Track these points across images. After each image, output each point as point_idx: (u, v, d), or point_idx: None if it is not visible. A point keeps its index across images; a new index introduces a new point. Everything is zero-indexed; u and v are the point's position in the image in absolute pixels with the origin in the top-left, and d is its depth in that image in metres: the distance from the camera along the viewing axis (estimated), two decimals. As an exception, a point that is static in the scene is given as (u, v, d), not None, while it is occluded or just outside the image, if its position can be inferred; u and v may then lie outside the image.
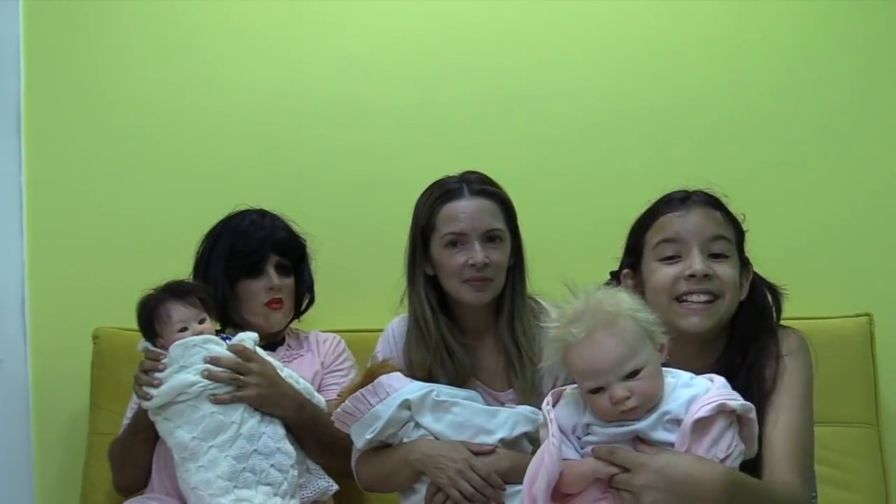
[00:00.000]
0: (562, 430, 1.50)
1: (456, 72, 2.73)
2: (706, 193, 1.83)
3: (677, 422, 1.47)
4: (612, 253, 2.63)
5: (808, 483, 1.69)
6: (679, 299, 1.71)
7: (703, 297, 1.70)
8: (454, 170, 2.18)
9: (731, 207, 1.92)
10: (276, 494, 2.03)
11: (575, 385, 1.55)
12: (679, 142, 2.69)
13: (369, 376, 2.05)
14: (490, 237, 2.09)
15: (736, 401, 1.48)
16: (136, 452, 2.20)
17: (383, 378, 2.03)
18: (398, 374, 2.06)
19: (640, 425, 1.47)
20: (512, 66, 2.72)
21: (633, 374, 1.46)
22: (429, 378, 2.09)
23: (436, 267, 2.12)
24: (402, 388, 2.02)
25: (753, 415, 1.50)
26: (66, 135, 2.76)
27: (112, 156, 2.76)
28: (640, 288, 1.79)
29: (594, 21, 2.71)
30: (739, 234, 1.83)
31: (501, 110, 2.72)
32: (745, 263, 1.83)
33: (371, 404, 2.01)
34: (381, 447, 2.05)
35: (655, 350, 1.51)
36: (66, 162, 2.76)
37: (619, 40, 2.70)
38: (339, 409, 2.04)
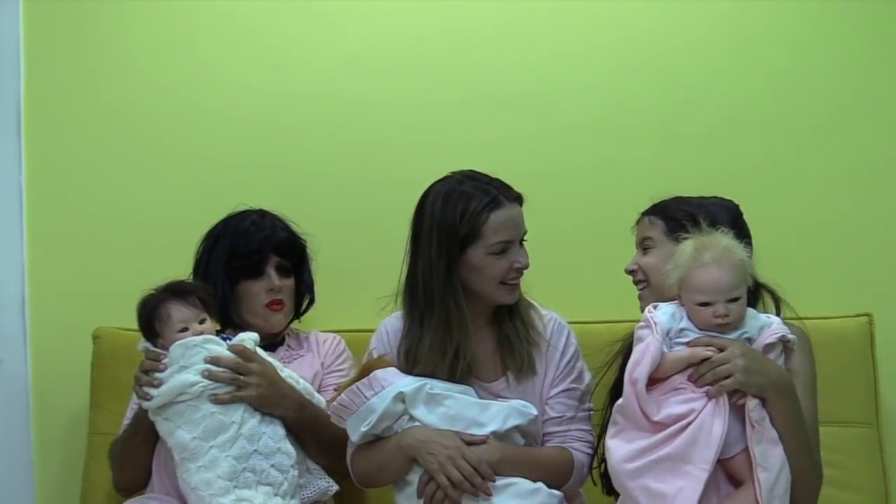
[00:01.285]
0: None
1: (456, 71, 2.73)
2: (659, 204, 2.14)
3: (750, 341, 1.88)
4: (610, 251, 2.63)
5: (816, 467, 1.93)
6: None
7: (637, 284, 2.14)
8: (454, 169, 2.18)
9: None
10: (276, 494, 2.03)
11: (671, 301, 1.94)
12: (678, 141, 2.69)
13: (365, 371, 2.07)
14: (522, 239, 2.15)
15: (791, 335, 1.89)
16: (137, 453, 2.20)
17: (378, 372, 2.05)
18: (393, 368, 2.09)
19: (727, 337, 1.87)
20: (512, 66, 2.72)
21: (733, 300, 1.86)
22: (430, 376, 2.10)
23: (468, 272, 2.11)
24: (396, 381, 2.05)
25: (796, 346, 1.91)
26: (66, 135, 2.76)
27: (112, 156, 2.76)
28: None
29: (594, 21, 2.71)
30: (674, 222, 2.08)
31: (501, 110, 2.72)
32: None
33: (366, 397, 2.03)
34: (375, 440, 2.07)
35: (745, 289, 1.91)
36: (66, 162, 2.76)
37: (618, 40, 2.70)
38: (334, 403, 2.07)
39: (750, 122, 2.67)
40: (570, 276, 2.62)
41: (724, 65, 2.68)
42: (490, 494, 1.97)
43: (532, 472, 2.04)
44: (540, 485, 2.02)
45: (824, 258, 2.61)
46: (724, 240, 1.91)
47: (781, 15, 2.67)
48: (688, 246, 1.91)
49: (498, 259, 2.10)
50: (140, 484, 2.22)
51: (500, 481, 1.99)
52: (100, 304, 2.67)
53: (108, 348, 2.58)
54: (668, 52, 2.69)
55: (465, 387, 2.11)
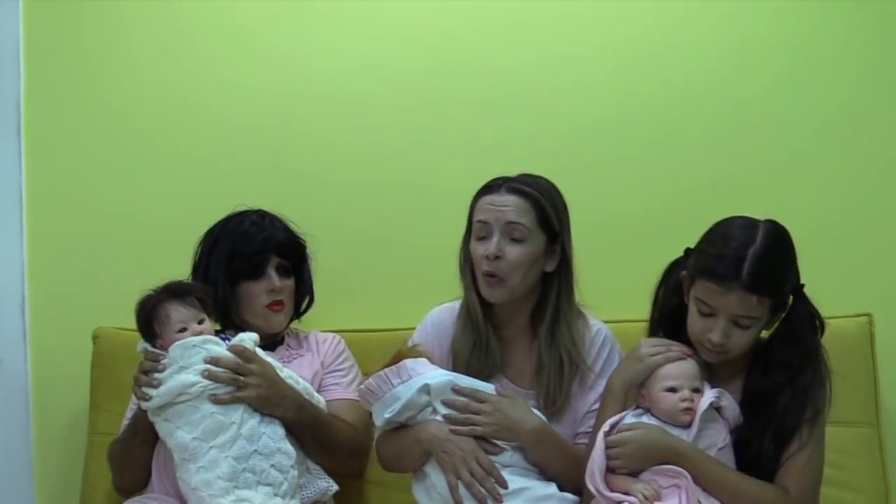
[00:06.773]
0: None
1: (456, 72, 2.73)
2: (751, 275, 1.91)
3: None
4: (612, 251, 2.63)
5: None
6: (702, 344, 2.01)
7: (718, 351, 2.00)
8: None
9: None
10: (276, 495, 2.03)
11: (633, 411, 2.01)
12: (678, 141, 2.69)
13: (396, 358, 2.08)
14: (511, 233, 2.09)
15: (721, 401, 2.00)
16: (136, 453, 2.19)
17: (408, 361, 2.06)
18: (424, 360, 2.09)
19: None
20: (512, 66, 2.72)
21: (695, 390, 1.97)
22: (466, 367, 2.13)
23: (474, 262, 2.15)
24: (424, 372, 2.05)
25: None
26: (66, 135, 2.76)
27: (112, 156, 2.76)
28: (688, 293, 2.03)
29: (594, 21, 2.71)
30: (781, 298, 1.98)
31: (501, 110, 2.71)
32: (782, 307, 2.00)
33: (393, 385, 2.04)
34: (399, 427, 2.08)
35: None
36: (66, 162, 2.76)
37: (618, 39, 2.70)
38: (362, 386, 2.09)
39: (750, 122, 2.67)
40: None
41: (724, 65, 2.68)
42: (500, 500, 1.97)
43: (561, 461, 2.05)
44: (553, 490, 2.02)
45: (824, 258, 2.60)
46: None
47: (781, 15, 2.66)
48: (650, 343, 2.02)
49: (477, 244, 2.11)
50: (140, 485, 2.22)
51: (513, 486, 1.98)
52: (100, 304, 2.67)
53: (108, 348, 2.58)
54: (668, 52, 2.69)
55: (492, 384, 2.11)
